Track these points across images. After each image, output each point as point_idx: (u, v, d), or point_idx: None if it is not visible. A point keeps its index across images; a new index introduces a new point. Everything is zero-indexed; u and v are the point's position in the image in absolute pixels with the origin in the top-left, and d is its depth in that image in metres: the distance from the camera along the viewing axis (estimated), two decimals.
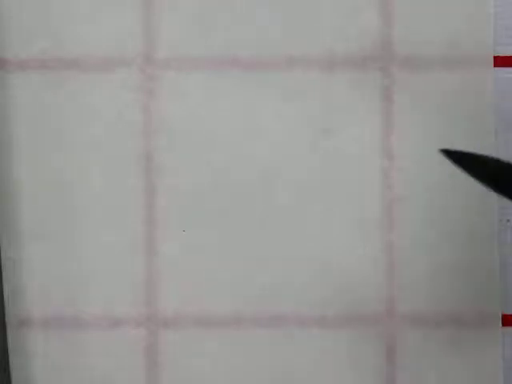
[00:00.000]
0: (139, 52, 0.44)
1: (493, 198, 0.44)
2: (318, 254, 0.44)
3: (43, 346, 0.44)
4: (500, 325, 0.44)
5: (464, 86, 0.44)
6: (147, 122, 0.44)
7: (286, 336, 0.44)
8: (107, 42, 0.44)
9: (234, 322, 0.44)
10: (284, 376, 0.44)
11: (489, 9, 0.44)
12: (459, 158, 0.36)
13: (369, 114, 0.44)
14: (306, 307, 0.44)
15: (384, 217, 0.44)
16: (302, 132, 0.44)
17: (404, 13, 0.44)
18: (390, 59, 0.44)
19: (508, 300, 0.44)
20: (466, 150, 0.37)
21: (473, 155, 0.36)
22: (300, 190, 0.44)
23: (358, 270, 0.44)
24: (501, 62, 0.45)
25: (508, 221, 0.45)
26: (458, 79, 0.44)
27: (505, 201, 0.45)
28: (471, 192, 0.44)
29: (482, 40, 0.44)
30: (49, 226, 0.44)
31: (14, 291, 0.44)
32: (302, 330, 0.44)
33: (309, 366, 0.44)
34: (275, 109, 0.44)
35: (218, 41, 0.44)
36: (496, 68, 0.45)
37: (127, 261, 0.44)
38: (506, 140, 0.45)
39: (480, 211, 0.44)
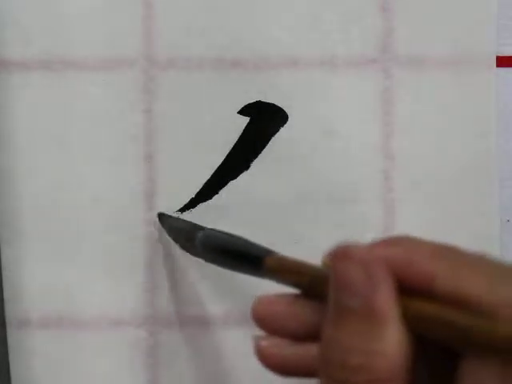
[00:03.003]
0: (140, 52, 0.44)
1: (493, 198, 0.44)
2: (318, 254, 0.44)
3: (43, 346, 0.44)
4: None
5: (466, 86, 0.44)
6: (148, 122, 0.44)
7: None
8: (108, 42, 0.44)
9: (234, 322, 0.44)
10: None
11: (491, 9, 0.44)
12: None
13: (370, 114, 0.44)
14: None
15: (384, 217, 0.44)
16: (303, 132, 0.44)
17: (406, 13, 0.44)
18: (391, 60, 0.44)
19: None
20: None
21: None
22: (300, 190, 0.44)
23: None
24: (503, 62, 0.45)
25: (508, 221, 0.45)
26: (460, 80, 0.44)
27: (505, 201, 0.45)
28: (471, 192, 0.44)
29: (485, 40, 0.44)
30: (49, 226, 0.44)
31: (14, 291, 0.44)
32: None
33: None
34: (275, 109, 0.44)
35: (218, 41, 0.44)
36: (498, 68, 0.45)
37: (127, 261, 0.44)
38: (508, 140, 0.45)
39: (480, 211, 0.44)
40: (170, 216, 0.44)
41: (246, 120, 0.44)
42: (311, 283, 0.32)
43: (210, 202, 0.44)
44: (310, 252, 0.44)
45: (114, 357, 0.44)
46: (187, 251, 0.42)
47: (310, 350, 0.32)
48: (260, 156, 0.44)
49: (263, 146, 0.44)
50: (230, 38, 0.44)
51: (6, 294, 0.43)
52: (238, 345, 0.44)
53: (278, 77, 0.44)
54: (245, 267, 0.35)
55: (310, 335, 0.32)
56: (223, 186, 0.44)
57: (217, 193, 0.44)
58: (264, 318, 0.33)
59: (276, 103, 0.44)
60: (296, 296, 0.33)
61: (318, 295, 0.31)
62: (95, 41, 0.44)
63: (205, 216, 0.44)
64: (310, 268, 0.32)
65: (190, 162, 0.44)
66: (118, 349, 0.44)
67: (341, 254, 0.30)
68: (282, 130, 0.44)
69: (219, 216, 0.44)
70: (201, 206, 0.44)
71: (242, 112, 0.44)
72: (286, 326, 0.32)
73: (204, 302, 0.44)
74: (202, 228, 0.40)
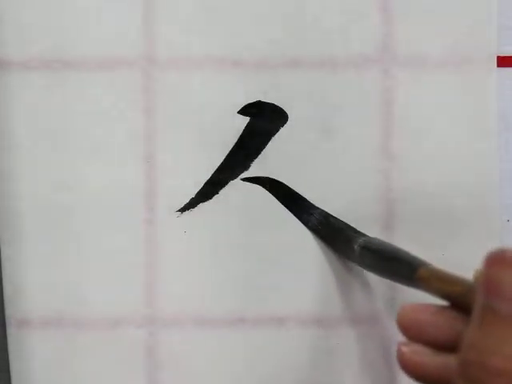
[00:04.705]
0: (140, 52, 0.44)
1: (493, 198, 0.44)
2: (318, 254, 0.44)
3: (43, 346, 0.44)
4: None
5: (466, 86, 0.44)
6: (148, 122, 0.44)
7: (286, 336, 0.44)
8: (108, 42, 0.44)
9: (234, 322, 0.44)
10: (284, 376, 0.44)
11: (491, 9, 0.44)
12: None
13: (370, 114, 0.44)
14: (306, 307, 0.44)
15: (384, 217, 0.44)
16: (303, 132, 0.44)
17: (405, 13, 0.44)
18: (391, 60, 0.44)
19: None
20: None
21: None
22: (300, 191, 0.44)
23: (359, 271, 0.44)
24: (504, 62, 0.45)
25: (508, 221, 0.45)
26: (460, 80, 0.44)
27: (505, 201, 0.45)
28: (471, 192, 0.44)
29: (485, 40, 0.44)
30: (49, 226, 0.44)
31: (14, 291, 0.44)
32: (302, 330, 0.44)
33: (309, 366, 0.44)
34: (275, 109, 0.44)
35: (218, 41, 0.44)
36: (499, 68, 0.45)
37: (127, 261, 0.44)
38: (508, 140, 0.45)
39: (480, 211, 0.44)
40: (337, 219, 0.44)
41: (245, 120, 0.44)
42: (461, 295, 0.33)
43: (209, 201, 0.44)
44: (311, 251, 0.45)
45: (114, 357, 0.44)
46: (344, 255, 0.43)
47: (448, 360, 0.33)
48: (260, 156, 0.44)
49: (263, 146, 0.44)
50: (230, 38, 0.44)
51: (6, 294, 0.43)
52: (238, 345, 0.44)
53: (277, 77, 0.44)
54: (399, 276, 0.37)
55: (451, 346, 0.33)
56: (223, 185, 0.44)
57: (217, 193, 0.44)
58: (408, 325, 0.34)
59: (276, 103, 0.44)
60: (441, 307, 0.34)
61: (465, 307, 0.33)
62: (95, 41, 0.44)
63: (205, 216, 0.44)
64: (462, 280, 0.34)
65: (190, 161, 0.44)
66: (118, 349, 0.44)
67: (496, 259, 0.30)
68: (281, 130, 0.44)
69: (219, 216, 0.44)
70: (201, 206, 0.44)
71: (242, 112, 0.44)
72: (429, 334, 0.34)
73: (204, 301, 0.44)
74: (362, 235, 0.42)
